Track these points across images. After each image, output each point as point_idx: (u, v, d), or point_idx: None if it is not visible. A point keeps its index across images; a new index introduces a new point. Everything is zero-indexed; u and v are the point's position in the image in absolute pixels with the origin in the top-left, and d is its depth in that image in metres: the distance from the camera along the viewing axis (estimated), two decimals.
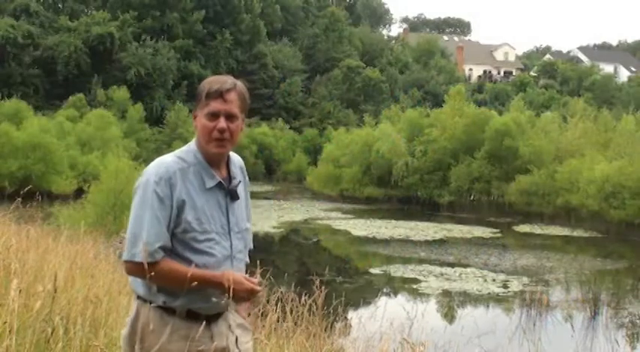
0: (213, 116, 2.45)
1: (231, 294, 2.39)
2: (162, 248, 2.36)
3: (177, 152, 2.51)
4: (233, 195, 2.54)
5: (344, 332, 6.12)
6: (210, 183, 2.47)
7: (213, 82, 2.50)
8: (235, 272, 2.45)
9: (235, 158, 2.63)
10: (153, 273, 2.34)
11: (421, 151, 32.57)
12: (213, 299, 2.44)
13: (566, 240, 22.29)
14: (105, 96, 45.29)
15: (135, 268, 2.36)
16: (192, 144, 2.52)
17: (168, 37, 53.35)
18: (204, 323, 2.43)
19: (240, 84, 2.55)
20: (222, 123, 2.45)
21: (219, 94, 2.46)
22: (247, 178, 2.69)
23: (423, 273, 15.07)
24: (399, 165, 32.20)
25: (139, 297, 2.46)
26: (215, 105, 2.45)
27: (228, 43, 55.85)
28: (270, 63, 57.35)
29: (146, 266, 2.32)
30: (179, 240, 2.41)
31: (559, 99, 57.97)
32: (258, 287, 2.46)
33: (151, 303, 2.42)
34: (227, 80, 2.51)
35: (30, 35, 47.54)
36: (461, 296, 13.20)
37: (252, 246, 2.69)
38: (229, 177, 2.55)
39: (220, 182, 2.50)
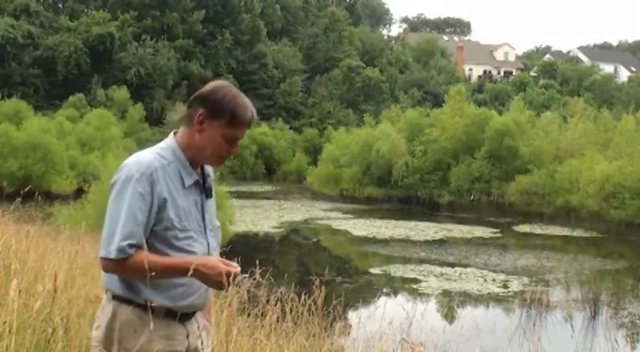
0: (234, 141, 2.44)
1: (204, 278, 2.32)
2: (135, 245, 2.30)
3: (156, 148, 2.45)
4: (208, 193, 2.52)
5: (344, 332, 6.12)
6: (188, 181, 2.44)
7: (246, 108, 2.42)
8: (210, 257, 2.39)
9: None
10: (127, 268, 2.30)
11: (421, 151, 32.57)
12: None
13: (566, 240, 22.29)
14: (105, 96, 45.33)
15: (111, 265, 2.32)
16: (170, 141, 2.46)
17: (168, 37, 53.37)
18: (184, 320, 2.43)
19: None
20: (237, 148, 2.46)
21: (248, 125, 2.44)
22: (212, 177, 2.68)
23: (423, 273, 15.07)
24: (399, 165, 32.20)
25: (114, 297, 2.41)
26: (240, 132, 2.43)
27: (228, 43, 55.87)
28: (270, 63, 57.36)
29: (117, 261, 2.29)
30: (159, 237, 2.37)
31: (559, 99, 57.98)
32: (235, 269, 2.34)
33: (129, 303, 2.38)
34: (251, 108, 2.45)
35: (30, 35, 47.57)
36: (461, 296, 13.21)
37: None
38: (203, 175, 2.54)
39: (198, 180, 2.48)
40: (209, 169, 2.58)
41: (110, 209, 2.36)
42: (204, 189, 2.51)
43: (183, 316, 2.45)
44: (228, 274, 2.32)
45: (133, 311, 2.37)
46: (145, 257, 2.29)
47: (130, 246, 2.29)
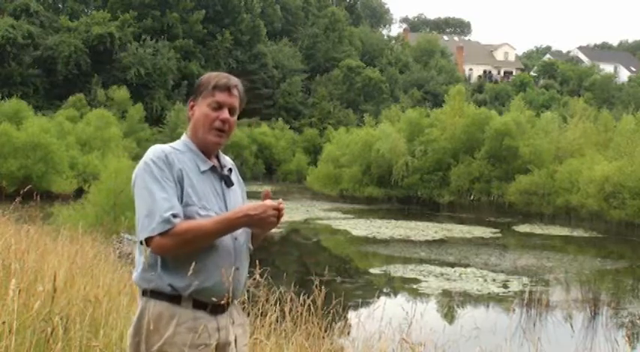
0: (218, 107, 2.53)
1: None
2: (177, 215, 2.37)
3: (170, 144, 2.59)
4: (227, 181, 2.59)
5: (343, 332, 6.12)
6: (203, 167, 2.53)
7: (219, 76, 2.59)
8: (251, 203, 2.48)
9: (225, 157, 2.70)
10: (175, 238, 2.35)
11: (421, 151, 32.59)
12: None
13: (566, 240, 22.28)
14: (105, 97, 45.33)
15: (159, 241, 2.36)
16: (182, 137, 2.61)
17: (168, 37, 53.37)
18: (215, 312, 2.47)
19: (240, 84, 2.64)
20: (225, 114, 2.54)
21: (227, 88, 2.55)
22: (241, 178, 2.76)
23: (423, 273, 15.06)
24: (399, 165, 32.20)
25: (144, 293, 2.45)
26: (222, 96, 2.54)
27: (228, 43, 55.87)
28: (270, 63, 57.37)
29: (163, 235, 2.35)
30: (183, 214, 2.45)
31: (559, 99, 58.05)
32: (279, 203, 2.43)
33: (156, 296, 2.41)
34: (231, 77, 2.61)
35: (30, 35, 47.53)
36: (461, 296, 13.20)
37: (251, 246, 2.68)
38: (220, 166, 2.62)
39: (214, 166, 2.57)
40: (226, 164, 2.65)
41: (139, 195, 2.43)
42: (222, 176, 2.58)
43: (215, 308, 2.46)
44: (276, 208, 2.42)
45: (160, 304, 2.41)
46: (190, 222, 2.38)
47: (174, 215, 2.37)
